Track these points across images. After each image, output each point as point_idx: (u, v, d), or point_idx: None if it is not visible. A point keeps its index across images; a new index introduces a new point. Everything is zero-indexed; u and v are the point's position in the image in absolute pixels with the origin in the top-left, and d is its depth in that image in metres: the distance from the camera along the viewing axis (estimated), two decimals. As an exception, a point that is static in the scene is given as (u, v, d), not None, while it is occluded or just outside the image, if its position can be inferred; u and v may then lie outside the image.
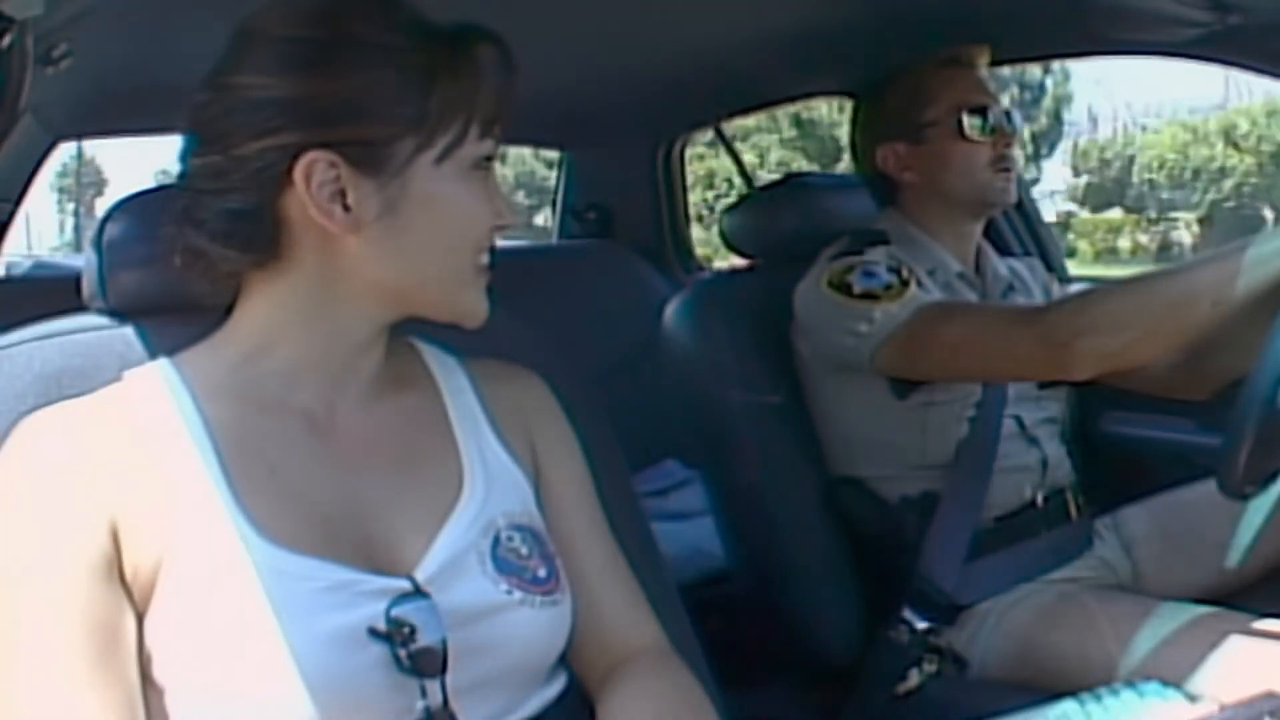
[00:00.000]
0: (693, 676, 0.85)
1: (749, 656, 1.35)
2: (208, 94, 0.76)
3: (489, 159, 0.80)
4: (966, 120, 1.43)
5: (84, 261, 0.89)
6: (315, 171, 0.74)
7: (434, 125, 0.76)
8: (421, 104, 0.75)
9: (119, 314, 0.88)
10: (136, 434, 0.74)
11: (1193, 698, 0.88)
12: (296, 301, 0.79)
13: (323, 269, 0.78)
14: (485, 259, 0.82)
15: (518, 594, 0.78)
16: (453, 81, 0.76)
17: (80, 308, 0.88)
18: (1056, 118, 21.12)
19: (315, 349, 0.80)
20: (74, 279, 0.90)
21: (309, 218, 0.75)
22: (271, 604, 0.70)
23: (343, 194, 0.75)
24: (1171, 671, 1.06)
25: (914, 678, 1.31)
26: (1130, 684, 0.89)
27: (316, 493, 0.77)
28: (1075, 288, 1.66)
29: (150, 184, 0.93)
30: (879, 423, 1.41)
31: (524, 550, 0.81)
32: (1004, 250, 1.72)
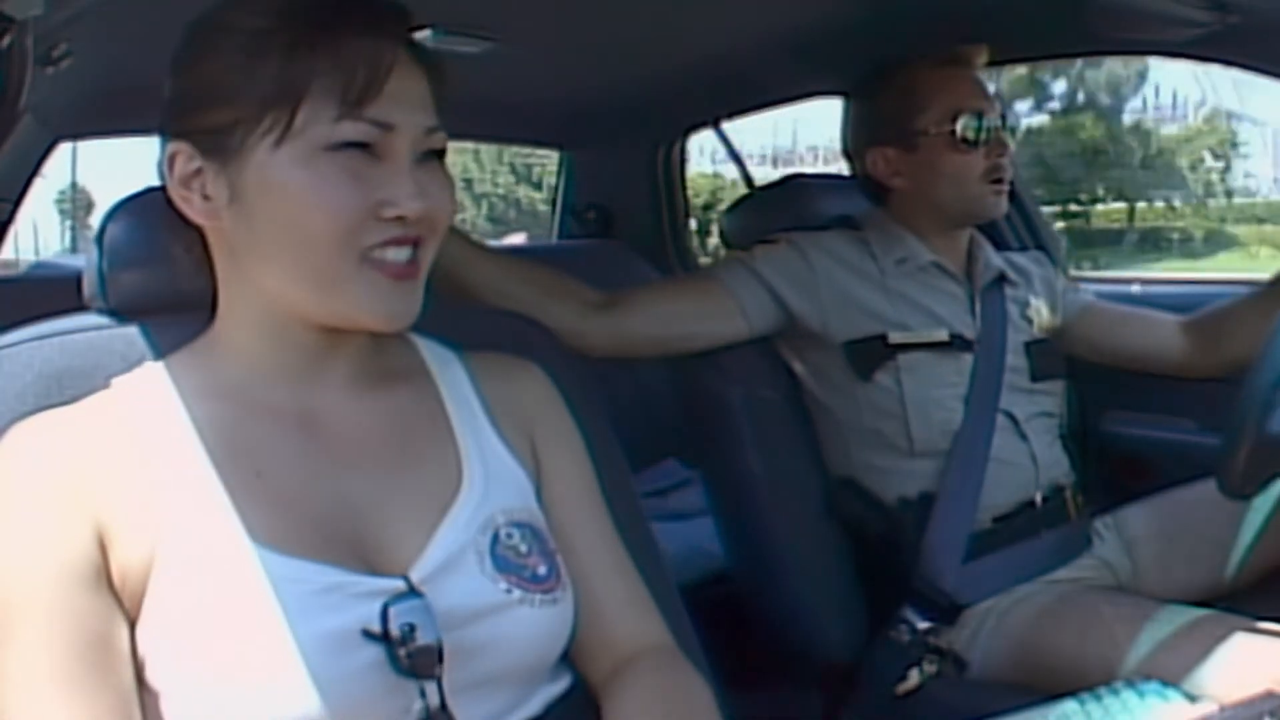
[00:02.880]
0: (697, 675, 0.85)
1: (749, 656, 1.35)
2: None
3: (363, 142, 0.73)
4: (960, 128, 1.42)
5: (84, 261, 0.89)
6: (177, 162, 0.76)
7: (263, 107, 0.73)
8: (250, 85, 0.73)
9: (119, 314, 0.87)
10: (123, 440, 0.74)
11: (1192, 698, 0.88)
12: (237, 301, 0.80)
13: (225, 262, 0.80)
14: (384, 254, 0.75)
15: (517, 592, 0.77)
16: (284, 60, 0.72)
17: (80, 308, 0.88)
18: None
19: (279, 349, 0.80)
20: (74, 279, 0.89)
21: None
22: (264, 608, 0.70)
23: (204, 183, 0.76)
24: (1171, 672, 1.06)
25: (914, 678, 1.31)
26: (1130, 684, 0.89)
27: (307, 493, 0.76)
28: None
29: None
30: (855, 407, 1.42)
31: (523, 548, 0.80)
32: (1003, 246, 1.72)
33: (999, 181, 1.45)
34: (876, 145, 1.49)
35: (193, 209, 0.77)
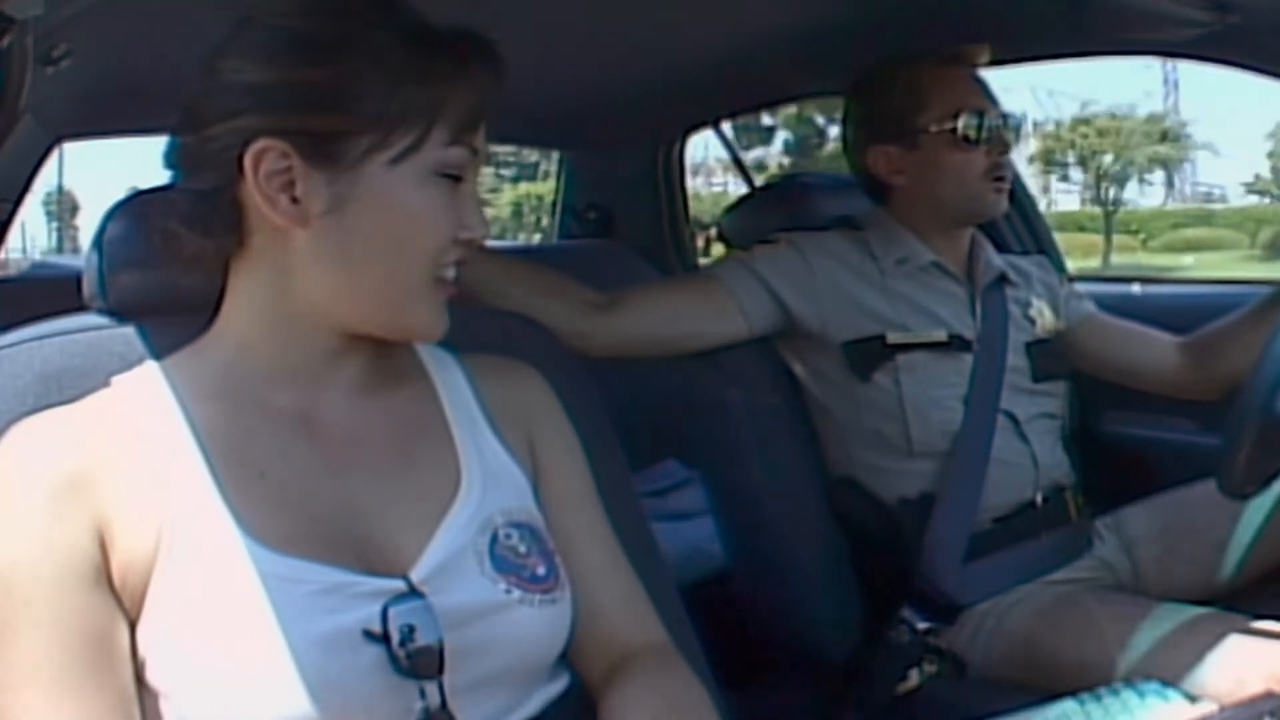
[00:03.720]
0: (694, 675, 0.85)
1: (749, 656, 1.35)
2: (199, 77, 0.77)
3: (459, 168, 0.77)
4: (962, 126, 1.42)
5: (83, 262, 0.89)
6: (265, 159, 0.74)
7: (393, 125, 0.74)
8: (383, 103, 0.74)
9: (119, 314, 0.87)
10: (124, 439, 0.74)
11: (1192, 698, 0.88)
12: (261, 300, 0.79)
13: (278, 263, 0.77)
14: (448, 273, 0.79)
15: (516, 592, 0.78)
16: (420, 84, 0.75)
17: (80, 308, 0.88)
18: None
19: (289, 352, 0.80)
20: (74, 279, 0.89)
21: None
22: (264, 608, 0.70)
23: (292, 185, 0.74)
24: (1171, 672, 1.06)
25: (914, 678, 1.31)
26: (1130, 684, 0.90)
27: (308, 494, 0.76)
28: (1078, 287, 1.66)
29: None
30: (854, 407, 1.42)
31: (522, 548, 0.80)
32: (1004, 247, 1.72)
33: (1000, 180, 1.45)
34: (877, 143, 1.49)
35: (276, 210, 0.75)
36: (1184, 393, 1.49)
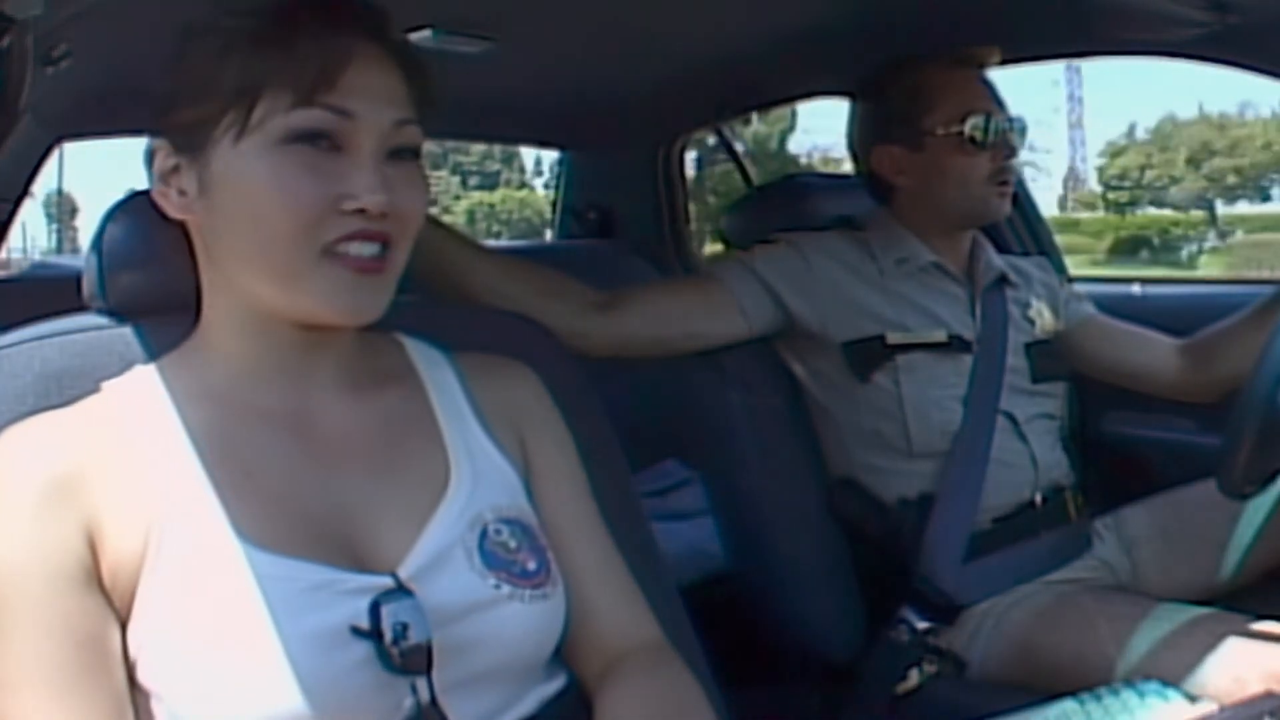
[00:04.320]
0: (689, 673, 0.85)
1: (749, 656, 1.35)
2: None
3: (318, 131, 0.73)
4: (968, 129, 1.42)
5: (84, 262, 0.89)
6: (156, 159, 0.79)
7: (226, 101, 0.74)
8: (217, 82, 0.75)
9: (118, 314, 0.87)
10: (113, 441, 0.74)
11: (1192, 698, 0.88)
12: (219, 300, 0.81)
13: (204, 261, 0.81)
14: (348, 248, 0.74)
15: (506, 588, 0.77)
16: (244, 54, 0.74)
17: (80, 308, 0.88)
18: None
19: (262, 349, 0.80)
20: (74, 279, 0.89)
21: None
22: (253, 606, 0.70)
23: (180, 180, 0.78)
24: (1171, 672, 1.06)
25: (914, 678, 1.31)
26: (1130, 684, 0.89)
27: (296, 493, 0.76)
28: (1078, 287, 1.67)
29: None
30: (854, 407, 1.42)
31: (513, 544, 0.80)
32: (1005, 249, 1.72)
33: (1004, 184, 1.45)
34: (882, 143, 1.49)
35: (170, 204, 0.79)
36: (1184, 395, 1.49)
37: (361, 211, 0.74)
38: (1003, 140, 1.44)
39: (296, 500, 0.76)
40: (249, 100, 0.74)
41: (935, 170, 1.44)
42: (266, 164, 0.74)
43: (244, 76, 0.74)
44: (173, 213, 0.79)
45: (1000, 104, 1.45)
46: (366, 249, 0.75)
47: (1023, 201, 1.87)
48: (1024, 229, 1.91)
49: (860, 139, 1.53)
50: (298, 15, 0.75)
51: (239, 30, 0.75)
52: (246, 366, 0.80)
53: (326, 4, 0.76)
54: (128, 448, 0.74)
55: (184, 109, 0.77)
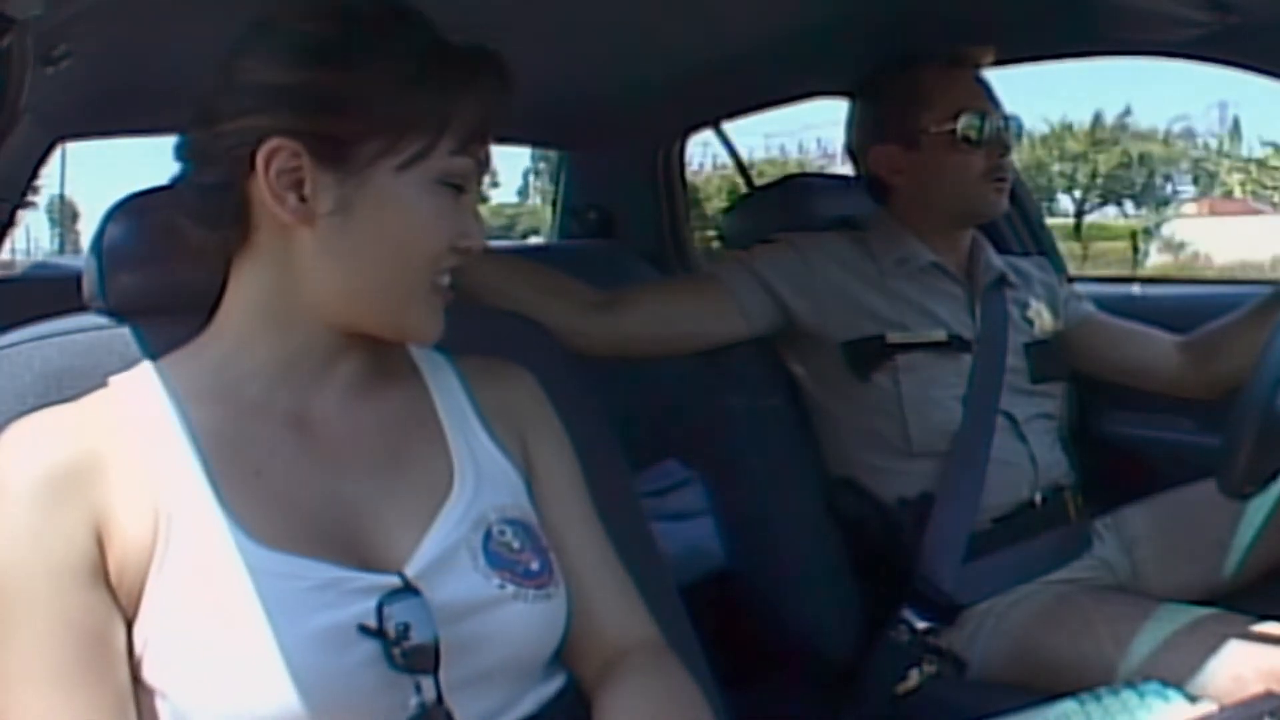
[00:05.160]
0: (687, 673, 0.85)
1: (749, 656, 1.35)
2: (214, 76, 0.78)
3: (463, 177, 0.79)
4: (962, 127, 1.42)
5: (84, 262, 0.89)
6: (277, 158, 0.75)
7: (402, 132, 0.76)
8: (394, 109, 0.75)
9: (118, 314, 0.88)
10: (121, 438, 0.74)
11: (1192, 698, 0.89)
12: (261, 295, 0.80)
13: (280, 260, 0.79)
14: (443, 280, 0.81)
15: (510, 588, 0.78)
16: (431, 92, 0.76)
17: (80, 308, 0.88)
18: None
19: (287, 350, 0.80)
20: (74, 279, 0.90)
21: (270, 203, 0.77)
22: (260, 604, 0.70)
23: (301, 184, 0.76)
24: (1171, 672, 1.06)
25: (914, 678, 1.31)
26: (1130, 684, 0.90)
27: (303, 493, 0.77)
28: (1078, 287, 1.67)
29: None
30: (853, 407, 1.42)
31: (516, 544, 0.81)
32: (1004, 248, 1.72)
33: (1000, 181, 1.45)
34: (879, 143, 1.49)
35: (284, 208, 0.76)
36: (1184, 392, 1.49)
37: (467, 250, 0.80)
38: (997, 138, 1.44)
39: (304, 500, 0.76)
40: (432, 138, 0.76)
41: (931, 168, 1.45)
42: (424, 200, 0.77)
43: (433, 114, 0.76)
44: (285, 217, 0.76)
45: (995, 102, 1.46)
46: (449, 279, 0.82)
47: (1022, 201, 1.87)
48: (1024, 229, 1.91)
49: (858, 139, 1.54)
50: (480, 67, 0.79)
51: (423, 63, 0.76)
52: (264, 367, 0.80)
53: (500, 60, 0.80)
54: (136, 443, 0.74)
55: (340, 120, 0.75)
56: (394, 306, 0.80)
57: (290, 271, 0.78)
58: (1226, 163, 22.80)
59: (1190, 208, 22.22)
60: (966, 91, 1.45)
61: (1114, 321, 1.57)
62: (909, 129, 1.45)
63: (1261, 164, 22.10)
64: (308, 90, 0.75)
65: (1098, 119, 23.00)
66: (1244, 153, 23.01)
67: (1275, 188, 21.62)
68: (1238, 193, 22.01)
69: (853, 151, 1.56)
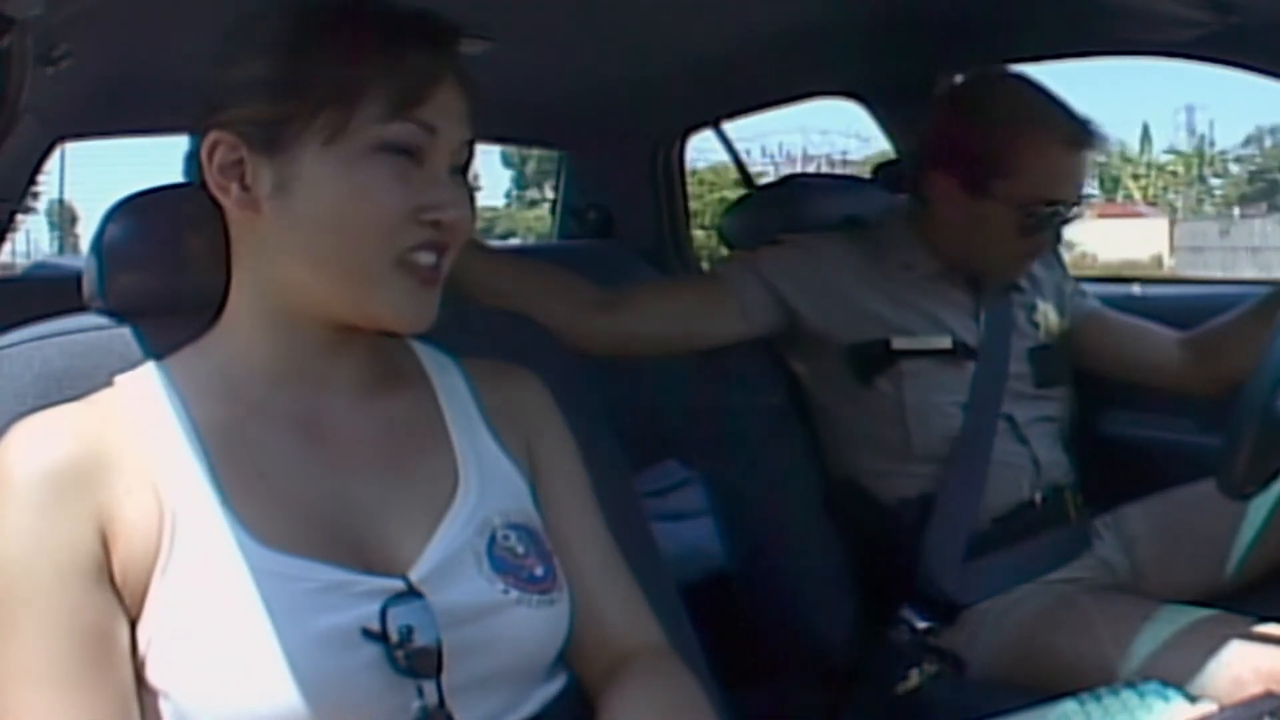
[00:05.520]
0: (692, 676, 0.85)
1: (749, 656, 1.35)
2: (205, 79, 0.80)
3: (408, 144, 0.75)
4: (1036, 217, 1.35)
5: (84, 262, 0.89)
6: (218, 151, 0.76)
7: (317, 106, 0.74)
8: (305, 84, 0.74)
9: (119, 314, 0.87)
10: (126, 437, 0.74)
11: (1192, 698, 0.88)
12: (251, 294, 0.80)
13: (253, 256, 0.79)
14: (419, 258, 0.77)
15: (514, 593, 0.78)
16: (343, 63, 0.74)
17: (80, 308, 0.88)
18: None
19: (286, 350, 0.80)
20: (74, 279, 0.89)
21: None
22: (263, 606, 0.70)
23: (244, 174, 0.76)
24: (1171, 672, 1.06)
25: (914, 678, 1.31)
26: (1130, 684, 0.89)
27: (308, 495, 0.77)
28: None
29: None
30: (855, 410, 1.42)
31: (520, 549, 0.80)
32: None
33: (1036, 256, 1.44)
34: (946, 172, 1.40)
35: (231, 199, 0.77)
36: (1186, 388, 1.48)
37: (435, 223, 0.77)
38: (1059, 225, 1.39)
39: (309, 502, 0.76)
40: (347, 107, 0.74)
41: (984, 227, 1.38)
42: (358, 171, 0.75)
43: (343, 83, 0.74)
44: (232, 208, 0.78)
45: (1079, 189, 1.38)
46: (429, 258, 0.78)
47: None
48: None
49: (928, 152, 1.44)
50: (398, 30, 0.76)
51: (329, 33, 0.75)
52: (267, 367, 0.80)
53: (429, 19, 0.77)
54: (141, 443, 0.74)
55: (261, 104, 0.75)
56: (358, 288, 0.77)
57: (264, 265, 0.79)
58: (1129, 168, 23.70)
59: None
60: (1064, 181, 1.36)
61: (1118, 317, 1.57)
62: (983, 181, 1.36)
63: (1160, 169, 23.59)
64: (238, 81, 0.76)
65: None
66: (1149, 159, 24.29)
67: (1170, 190, 23.30)
68: (1138, 197, 23.17)
69: (905, 144, 1.51)
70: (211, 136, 0.76)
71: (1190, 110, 25.08)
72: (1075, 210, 1.39)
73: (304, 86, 0.74)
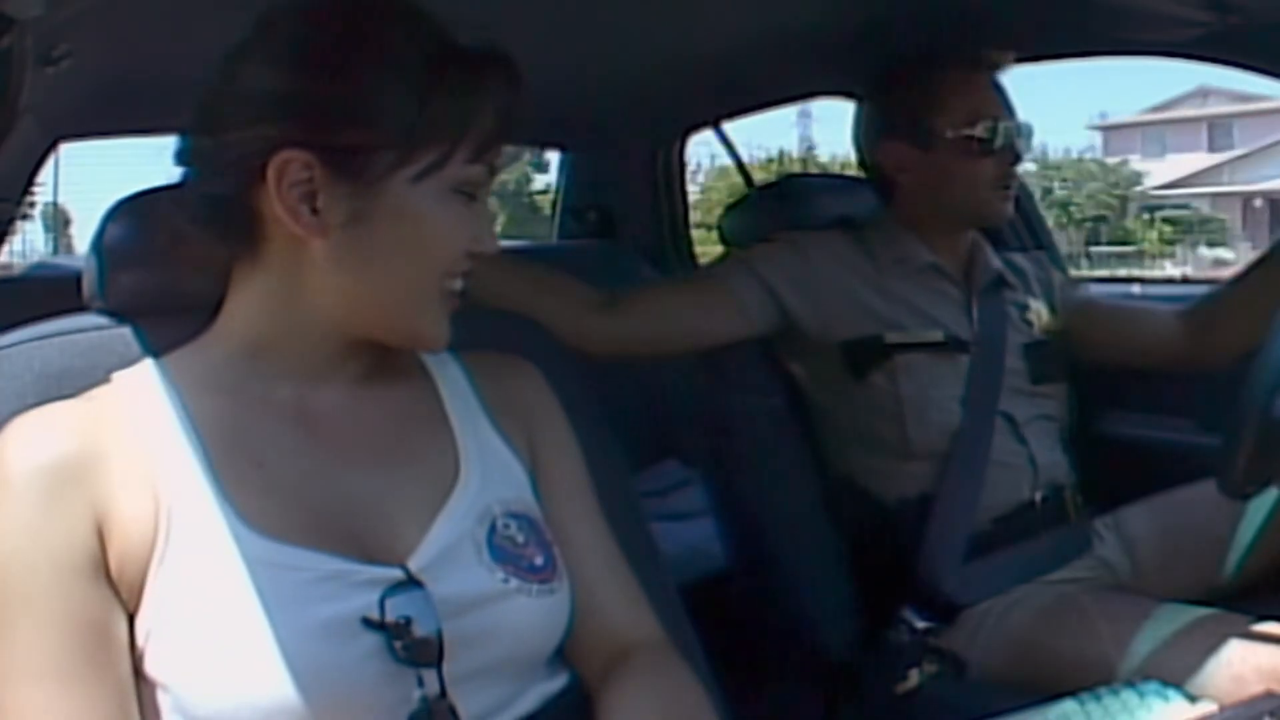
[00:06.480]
0: (691, 673, 0.85)
1: (749, 656, 1.35)
2: (216, 77, 0.77)
3: (475, 184, 0.78)
4: (978, 133, 1.40)
5: (83, 262, 0.89)
6: (289, 170, 0.73)
7: (419, 142, 0.74)
8: (410, 119, 0.74)
9: (118, 314, 0.87)
10: (123, 432, 0.74)
11: (1192, 698, 0.88)
12: (269, 302, 0.79)
13: (291, 270, 0.77)
14: (456, 285, 0.80)
15: (514, 582, 0.78)
16: (447, 101, 0.75)
17: (80, 308, 0.88)
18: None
19: (294, 351, 0.80)
20: (74, 279, 0.89)
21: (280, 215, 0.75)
22: (262, 596, 0.70)
23: (313, 196, 0.74)
24: (1171, 672, 1.06)
25: (914, 678, 1.31)
26: (1130, 684, 0.90)
27: (306, 485, 0.77)
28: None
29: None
30: (852, 408, 1.42)
31: (520, 538, 0.81)
32: (1002, 245, 1.72)
33: (1008, 188, 1.45)
34: (890, 139, 1.47)
35: (298, 221, 0.74)
36: (1189, 363, 1.48)
37: (478, 255, 0.80)
38: (1010, 145, 1.43)
39: (307, 492, 0.76)
40: (449, 147, 0.75)
41: (942, 171, 1.44)
42: (439, 210, 0.77)
43: (450, 122, 0.75)
44: (297, 230, 0.75)
45: (1010, 109, 1.44)
46: (460, 284, 0.81)
47: (1020, 197, 1.87)
48: (1021, 224, 1.91)
49: (866, 135, 1.53)
50: (493, 71, 0.77)
51: (438, 68, 0.75)
52: (270, 364, 0.80)
53: (510, 64, 0.78)
54: (137, 437, 0.74)
55: (352, 130, 0.73)
56: (407, 314, 0.79)
57: (300, 280, 0.78)
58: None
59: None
60: (984, 96, 1.43)
61: (1112, 302, 1.58)
62: (922, 130, 1.44)
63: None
64: (316, 99, 0.73)
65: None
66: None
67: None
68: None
69: (859, 147, 1.55)
70: (283, 155, 0.73)
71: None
72: (1023, 130, 1.43)
73: (408, 121, 0.74)
